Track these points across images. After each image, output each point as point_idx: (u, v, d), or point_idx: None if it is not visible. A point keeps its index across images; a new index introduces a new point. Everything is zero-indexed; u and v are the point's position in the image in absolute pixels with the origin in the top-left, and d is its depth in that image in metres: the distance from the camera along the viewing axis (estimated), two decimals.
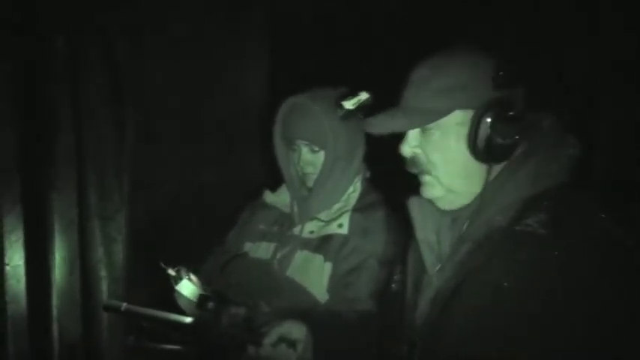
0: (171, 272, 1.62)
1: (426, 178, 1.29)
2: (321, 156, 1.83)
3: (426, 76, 1.25)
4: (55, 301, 1.93)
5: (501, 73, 1.18)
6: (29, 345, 1.85)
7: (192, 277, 1.64)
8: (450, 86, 1.22)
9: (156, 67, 2.34)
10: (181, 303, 1.70)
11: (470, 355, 1.18)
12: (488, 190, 1.24)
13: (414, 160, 1.28)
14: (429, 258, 1.32)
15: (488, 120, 1.19)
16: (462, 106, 1.21)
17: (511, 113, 1.19)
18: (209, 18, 2.46)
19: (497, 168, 1.24)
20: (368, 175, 1.94)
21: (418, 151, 1.27)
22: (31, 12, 1.96)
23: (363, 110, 1.64)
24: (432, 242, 1.32)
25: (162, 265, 1.60)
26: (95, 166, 2.06)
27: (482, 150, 1.21)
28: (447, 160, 1.25)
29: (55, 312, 1.93)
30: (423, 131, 1.26)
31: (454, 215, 1.28)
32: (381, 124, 1.28)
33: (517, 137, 1.20)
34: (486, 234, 1.22)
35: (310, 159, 1.85)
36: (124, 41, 2.18)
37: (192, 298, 1.66)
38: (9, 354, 1.85)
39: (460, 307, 1.21)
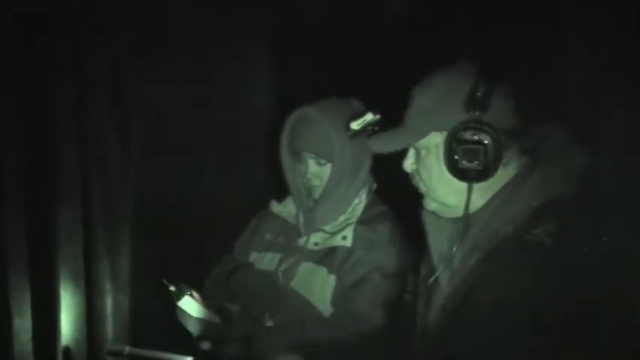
0: (173, 289, 1.63)
1: (423, 192, 1.36)
2: (327, 168, 1.83)
3: (413, 97, 1.32)
4: (60, 313, 1.92)
5: (473, 96, 1.22)
6: (33, 355, 1.84)
7: (194, 293, 1.66)
8: (427, 109, 1.29)
9: (161, 77, 2.34)
10: (182, 319, 1.71)
11: None
12: (496, 200, 1.27)
13: (413, 175, 1.37)
14: (440, 266, 1.34)
15: (455, 144, 1.23)
16: (437, 129, 1.28)
17: (476, 137, 1.21)
18: (214, 28, 2.46)
19: (485, 184, 1.26)
20: (374, 187, 1.94)
21: (414, 167, 1.35)
22: (36, 22, 1.95)
23: (371, 129, 1.64)
24: (444, 251, 1.34)
25: (165, 281, 1.62)
26: (100, 176, 2.05)
27: (455, 171, 1.26)
28: (432, 177, 1.31)
29: (60, 324, 1.92)
30: (416, 149, 1.34)
31: (465, 224, 1.29)
32: (380, 144, 1.38)
33: (490, 158, 1.22)
34: (494, 244, 1.23)
35: (317, 171, 1.85)
36: (130, 51, 2.18)
37: (193, 314, 1.67)
38: None
39: (468, 315, 1.22)
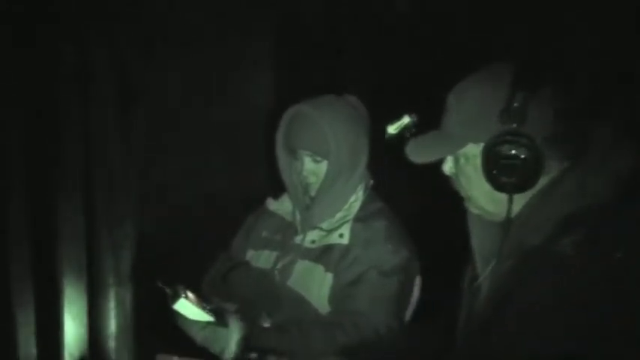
0: (169, 291, 1.61)
1: (463, 197, 1.34)
2: (324, 165, 1.83)
3: (449, 104, 1.30)
4: (62, 308, 1.95)
5: (509, 106, 1.18)
6: (36, 349, 1.88)
7: (190, 294, 1.63)
8: (464, 118, 1.26)
9: (164, 77, 2.37)
10: (179, 321, 1.72)
11: None
12: (528, 207, 1.24)
13: (452, 179, 1.34)
14: (482, 267, 1.34)
15: (492, 158, 1.20)
16: (474, 140, 1.25)
17: (514, 151, 1.17)
18: (216, 28, 2.48)
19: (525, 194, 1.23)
20: (371, 183, 1.93)
21: (453, 171, 1.33)
22: (42, 19, 1.98)
23: (408, 132, 1.62)
24: (487, 254, 1.33)
25: (160, 284, 1.61)
26: (103, 173, 2.08)
27: (495, 184, 1.22)
28: (471, 186, 1.29)
29: (62, 319, 1.95)
30: (455, 155, 1.31)
31: (505, 232, 1.26)
32: (417, 153, 1.34)
33: (529, 172, 1.18)
34: (524, 253, 1.21)
35: (313, 168, 1.84)
36: (133, 51, 2.20)
37: (189, 316, 1.66)
38: (18, 355, 1.87)
39: (496, 323, 1.21)
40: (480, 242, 1.35)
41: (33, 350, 1.89)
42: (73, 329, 1.99)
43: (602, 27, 1.98)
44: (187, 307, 1.63)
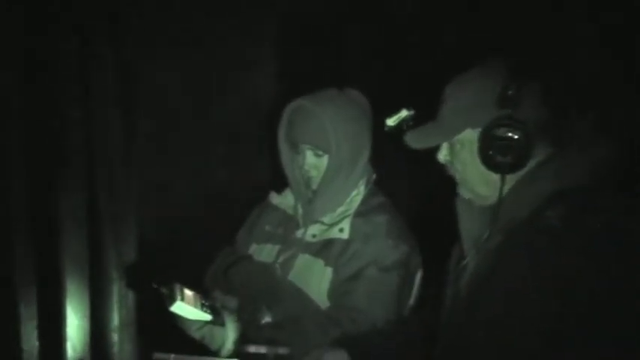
0: (165, 291, 1.59)
1: (457, 182, 1.43)
2: (325, 160, 1.84)
3: (447, 95, 1.40)
4: (65, 301, 1.95)
5: (505, 94, 1.28)
6: (38, 343, 1.87)
7: (187, 292, 1.61)
8: (462, 106, 1.36)
9: (165, 70, 2.38)
10: (177, 321, 1.71)
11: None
12: (517, 186, 1.33)
13: (448, 166, 1.44)
14: (469, 249, 1.41)
15: (489, 140, 1.29)
16: (472, 126, 1.34)
17: (509, 134, 1.27)
18: (217, 21, 2.49)
19: (514, 175, 1.32)
20: (373, 177, 1.94)
21: (448, 158, 1.42)
22: (44, 12, 1.99)
23: (406, 124, 1.65)
24: (475, 236, 1.40)
25: (155, 285, 1.59)
26: (105, 166, 2.08)
27: (490, 165, 1.32)
28: (466, 170, 1.39)
29: (65, 313, 1.95)
30: (450, 143, 1.41)
31: (496, 211, 1.34)
32: (416, 140, 1.45)
33: (522, 152, 1.27)
34: (511, 228, 1.30)
35: (314, 162, 1.85)
36: (134, 51, 2.21)
37: (187, 316, 1.65)
38: (21, 348, 1.86)
39: (485, 295, 1.29)
40: (468, 226, 1.43)
41: (35, 343, 1.88)
42: (75, 323, 1.98)
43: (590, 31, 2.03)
44: (184, 308, 1.61)
